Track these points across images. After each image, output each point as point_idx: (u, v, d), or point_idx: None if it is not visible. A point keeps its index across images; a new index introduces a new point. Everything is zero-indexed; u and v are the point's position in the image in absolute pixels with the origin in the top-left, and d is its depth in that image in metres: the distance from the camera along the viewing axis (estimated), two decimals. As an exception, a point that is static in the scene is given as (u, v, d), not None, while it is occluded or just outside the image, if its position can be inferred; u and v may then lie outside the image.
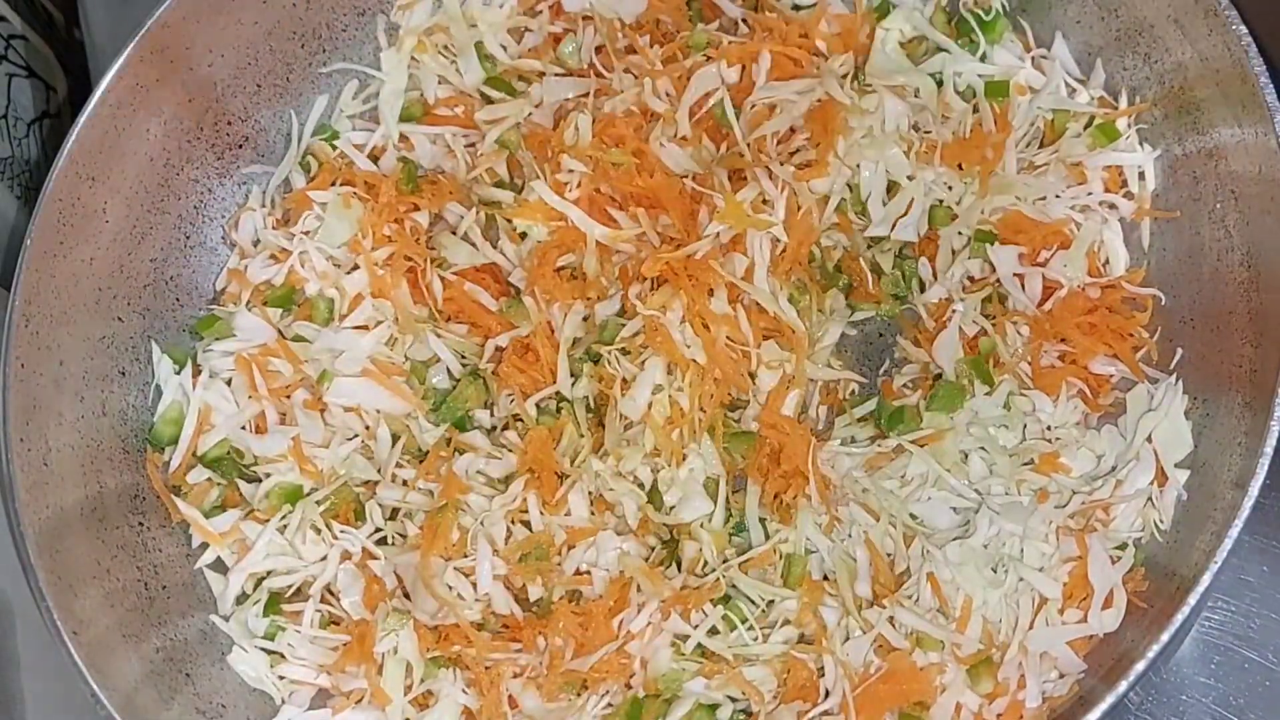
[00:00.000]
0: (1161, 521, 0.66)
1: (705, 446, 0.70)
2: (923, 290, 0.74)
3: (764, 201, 0.73)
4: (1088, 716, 0.58)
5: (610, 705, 0.67)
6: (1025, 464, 0.68)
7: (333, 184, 0.78)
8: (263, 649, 0.70)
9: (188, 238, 0.78)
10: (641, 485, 0.70)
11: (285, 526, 0.71)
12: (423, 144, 0.79)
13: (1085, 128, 0.74)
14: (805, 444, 0.69)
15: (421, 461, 0.72)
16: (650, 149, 0.74)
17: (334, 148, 0.80)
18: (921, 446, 0.69)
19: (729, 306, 0.71)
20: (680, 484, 0.70)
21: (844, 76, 0.76)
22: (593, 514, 0.70)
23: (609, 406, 0.71)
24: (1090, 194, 0.73)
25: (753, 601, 0.68)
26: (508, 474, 0.71)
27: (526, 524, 0.70)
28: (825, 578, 0.68)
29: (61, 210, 0.70)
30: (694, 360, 0.71)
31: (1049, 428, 0.69)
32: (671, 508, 0.70)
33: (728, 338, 0.71)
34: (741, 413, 0.72)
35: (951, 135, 0.75)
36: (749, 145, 0.74)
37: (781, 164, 0.73)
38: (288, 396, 0.74)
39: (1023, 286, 0.72)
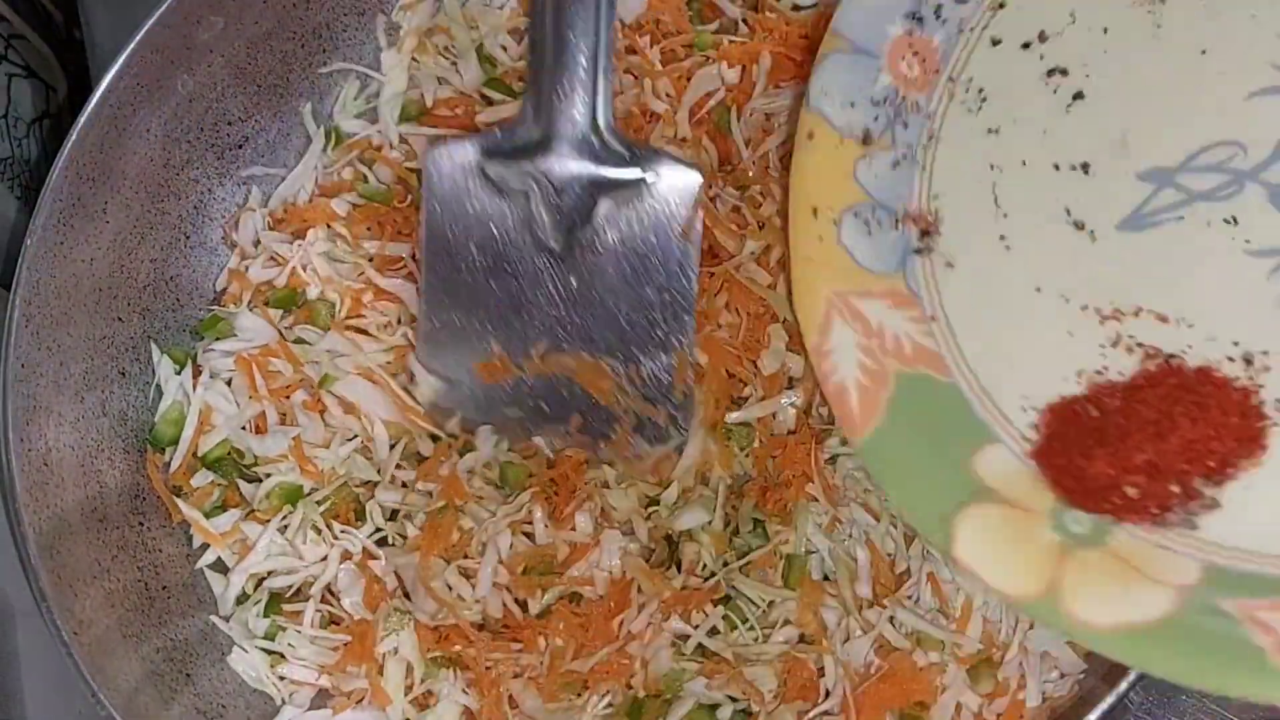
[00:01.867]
0: (1162, 521, 0.66)
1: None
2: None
3: (777, 213, 0.73)
4: (1088, 716, 0.58)
5: (611, 705, 0.67)
6: (1025, 463, 0.69)
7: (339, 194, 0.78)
8: (263, 649, 0.70)
9: (188, 238, 0.78)
10: (647, 494, 0.71)
11: (286, 527, 0.71)
12: (422, 145, 0.79)
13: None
14: (807, 445, 0.69)
15: (420, 464, 0.72)
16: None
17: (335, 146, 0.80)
18: (921, 446, 0.69)
19: (735, 314, 0.72)
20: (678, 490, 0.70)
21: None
22: (597, 525, 0.70)
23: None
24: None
25: (753, 602, 0.68)
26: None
27: (529, 535, 0.70)
28: (826, 578, 0.68)
29: (61, 210, 0.70)
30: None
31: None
32: (670, 513, 0.70)
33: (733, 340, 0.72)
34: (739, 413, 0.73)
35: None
36: (754, 162, 0.74)
37: (784, 170, 0.74)
38: (288, 397, 0.74)
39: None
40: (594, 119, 0.70)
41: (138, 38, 0.71)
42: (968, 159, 0.64)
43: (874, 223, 0.64)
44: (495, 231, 0.71)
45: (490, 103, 0.79)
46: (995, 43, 0.64)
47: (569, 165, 0.70)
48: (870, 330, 0.61)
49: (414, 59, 0.80)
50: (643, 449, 0.72)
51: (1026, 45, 0.64)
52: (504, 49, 0.80)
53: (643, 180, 0.70)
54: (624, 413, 0.72)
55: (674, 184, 0.70)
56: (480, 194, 0.71)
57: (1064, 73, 0.62)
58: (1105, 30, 0.62)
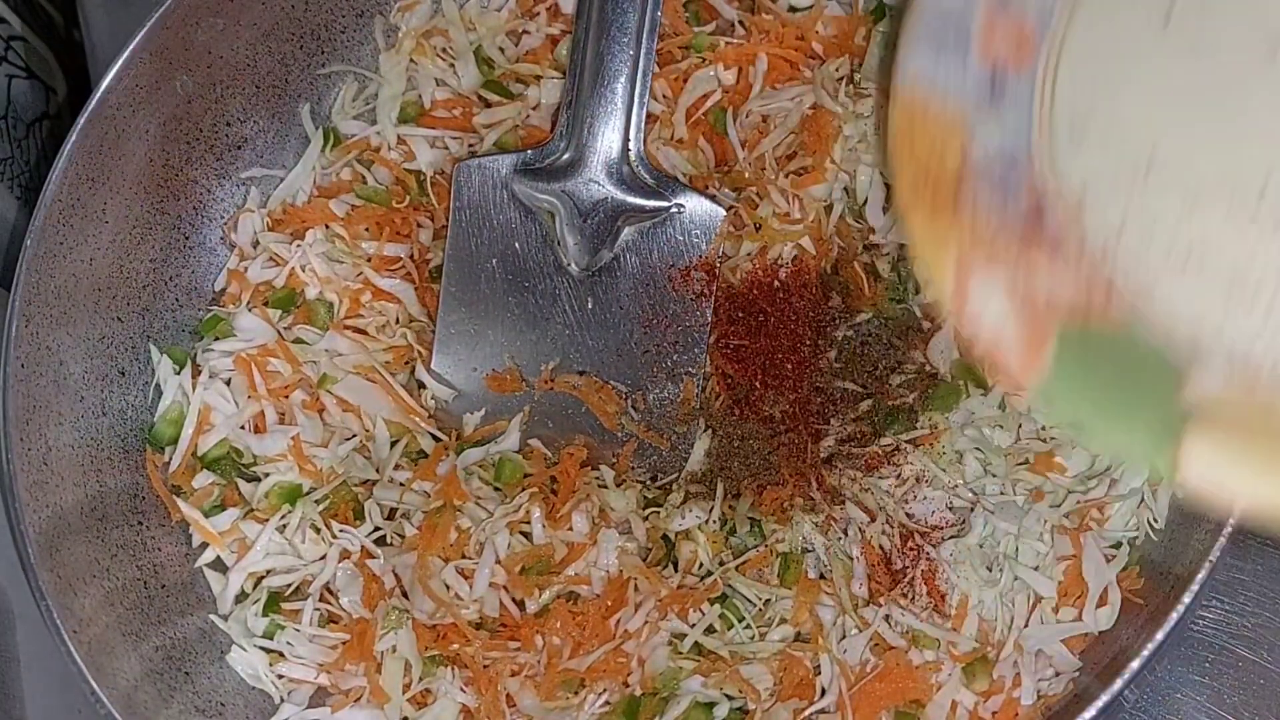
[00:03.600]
0: (1155, 520, 0.66)
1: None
2: (918, 292, 0.74)
3: (774, 214, 0.74)
4: (1083, 715, 0.58)
5: (608, 704, 0.67)
6: (1020, 463, 0.69)
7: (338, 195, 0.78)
8: (262, 648, 0.70)
9: (187, 238, 0.78)
10: (645, 494, 0.71)
11: (285, 526, 0.71)
12: (421, 147, 0.80)
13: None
14: (804, 444, 0.69)
15: (417, 463, 0.73)
16: (648, 151, 0.74)
17: (333, 147, 0.80)
18: (917, 446, 0.69)
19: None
20: (675, 493, 0.71)
21: (839, 80, 0.77)
22: (594, 525, 0.70)
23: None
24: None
25: (749, 601, 0.68)
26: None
27: (526, 534, 0.70)
28: (822, 576, 0.68)
29: (61, 210, 0.70)
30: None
31: (1044, 427, 0.70)
32: (667, 514, 0.70)
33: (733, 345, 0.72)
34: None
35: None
36: (750, 163, 0.74)
37: (780, 172, 0.74)
38: (286, 396, 0.74)
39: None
40: (625, 147, 0.72)
41: (137, 39, 0.72)
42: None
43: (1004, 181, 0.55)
44: (518, 248, 0.72)
45: (488, 104, 0.79)
46: None
47: (596, 190, 0.71)
48: (1014, 284, 0.52)
49: (412, 61, 0.81)
50: (643, 476, 0.72)
51: None
52: (501, 51, 0.80)
53: (667, 211, 0.71)
54: (628, 438, 0.72)
55: (697, 217, 0.71)
56: (506, 210, 0.72)
57: None
58: None
